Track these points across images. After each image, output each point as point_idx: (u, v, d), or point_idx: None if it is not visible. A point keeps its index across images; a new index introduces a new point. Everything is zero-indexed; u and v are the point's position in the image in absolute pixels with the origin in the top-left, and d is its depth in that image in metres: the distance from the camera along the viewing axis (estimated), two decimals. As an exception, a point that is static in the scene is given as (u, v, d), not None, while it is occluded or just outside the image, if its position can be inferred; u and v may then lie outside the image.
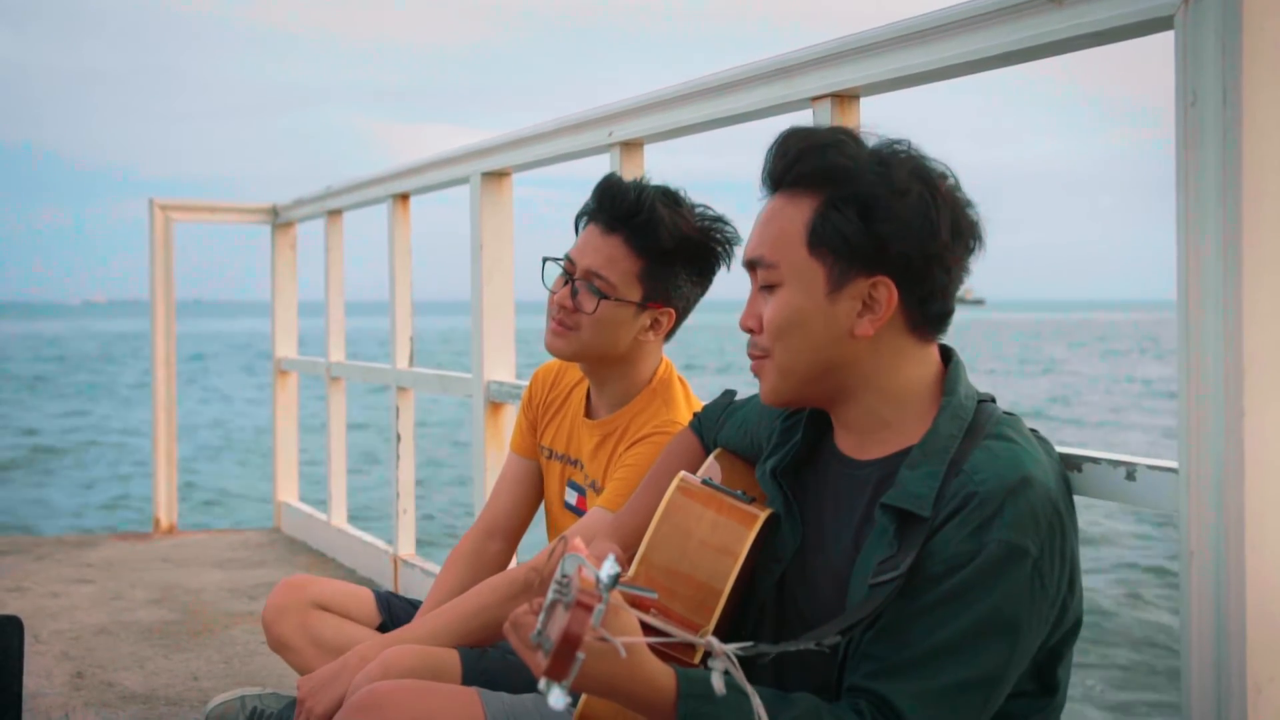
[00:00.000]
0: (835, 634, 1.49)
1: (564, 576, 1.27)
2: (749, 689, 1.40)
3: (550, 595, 1.28)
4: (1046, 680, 1.60)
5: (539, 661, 1.27)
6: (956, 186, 1.61)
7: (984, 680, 1.48)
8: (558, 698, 1.23)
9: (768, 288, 1.63)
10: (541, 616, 1.28)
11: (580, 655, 1.24)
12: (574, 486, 2.42)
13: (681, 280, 2.27)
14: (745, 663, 1.54)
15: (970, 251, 1.62)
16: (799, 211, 1.61)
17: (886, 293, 1.58)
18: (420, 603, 2.48)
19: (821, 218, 1.59)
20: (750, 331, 1.67)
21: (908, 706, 1.47)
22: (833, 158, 1.60)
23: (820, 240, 1.59)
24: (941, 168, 1.62)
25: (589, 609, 1.25)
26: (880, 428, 1.64)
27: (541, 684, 1.24)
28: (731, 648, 1.42)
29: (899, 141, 1.62)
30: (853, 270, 1.58)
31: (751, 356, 1.68)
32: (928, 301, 1.61)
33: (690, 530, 1.68)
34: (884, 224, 1.56)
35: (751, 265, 1.66)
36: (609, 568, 1.27)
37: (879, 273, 1.58)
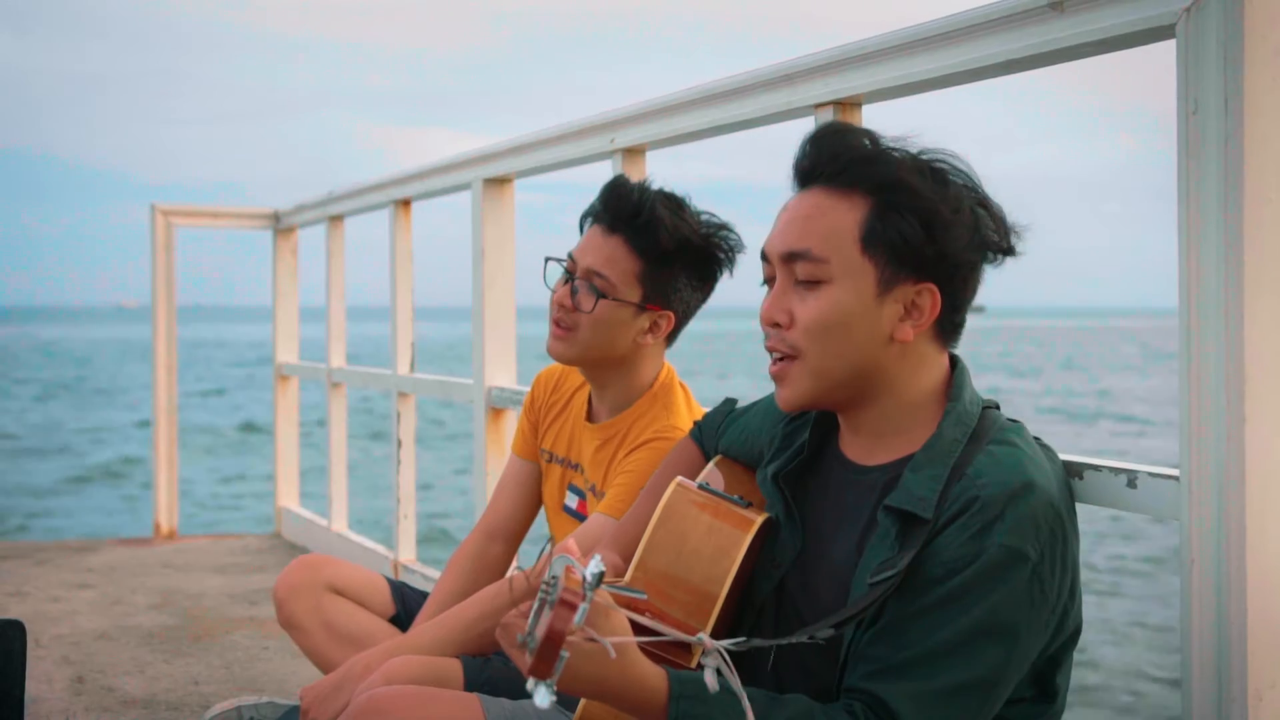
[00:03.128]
0: (829, 628, 1.50)
1: (552, 577, 1.28)
2: (739, 689, 1.40)
3: (538, 596, 1.28)
4: (1046, 687, 1.60)
5: (526, 661, 1.27)
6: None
7: (980, 683, 1.48)
8: (543, 696, 1.23)
9: (808, 283, 1.60)
10: (531, 618, 1.28)
11: (564, 653, 1.24)
12: (574, 490, 2.42)
13: (681, 284, 2.28)
14: (745, 667, 1.54)
15: (1002, 262, 1.64)
16: (851, 210, 1.59)
17: (931, 299, 1.59)
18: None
19: (880, 219, 1.57)
20: (776, 326, 1.63)
21: (903, 707, 1.47)
22: (887, 171, 1.59)
23: (876, 240, 1.57)
24: (974, 174, 1.63)
25: (573, 607, 1.25)
26: (889, 433, 1.64)
27: (530, 684, 1.24)
28: (725, 643, 1.42)
29: (931, 149, 1.63)
30: (903, 274, 1.58)
31: (774, 351, 1.64)
32: (957, 311, 1.62)
33: (686, 534, 1.68)
34: (944, 235, 1.57)
35: (791, 258, 1.61)
36: (593, 566, 1.28)
37: (927, 279, 1.58)
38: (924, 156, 1.62)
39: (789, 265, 1.62)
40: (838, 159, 1.61)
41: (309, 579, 2.41)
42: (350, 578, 2.45)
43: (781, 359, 1.63)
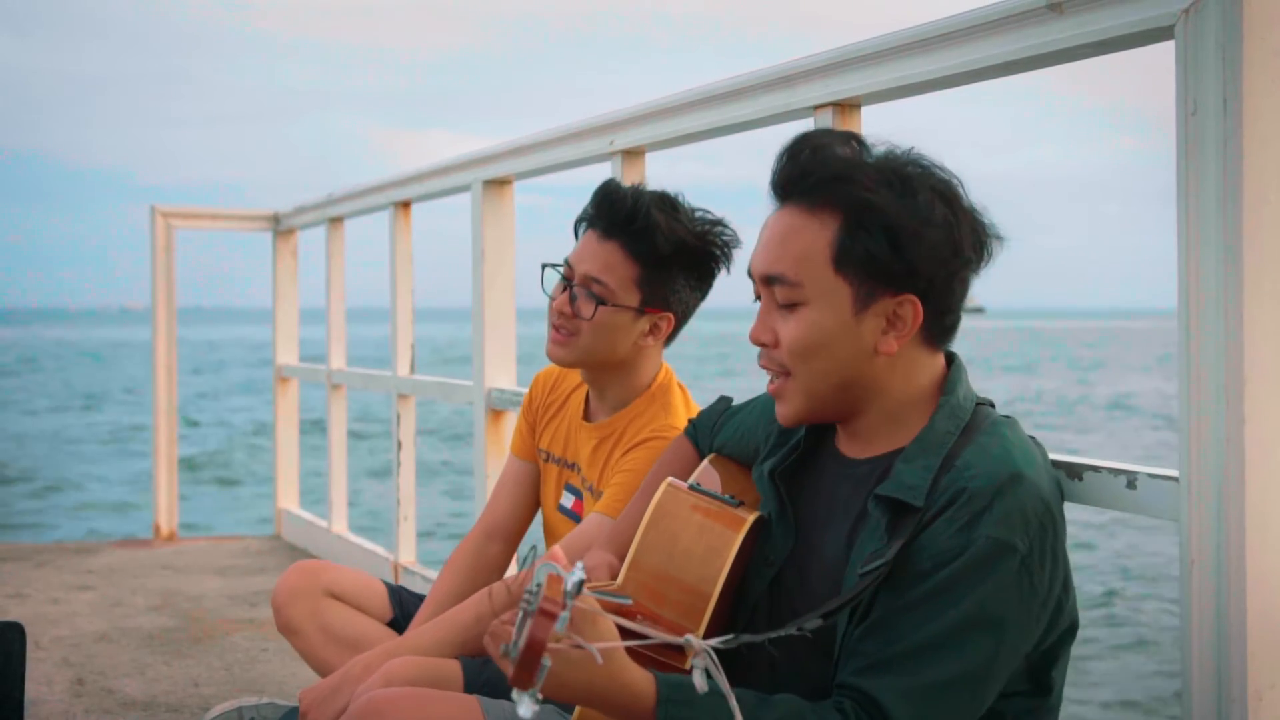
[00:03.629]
0: (817, 619, 1.50)
1: (537, 585, 1.28)
2: (728, 689, 1.40)
3: (520, 606, 1.28)
4: (1041, 681, 1.60)
5: (510, 671, 1.27)
6: (965, 194, 1.62)
7: (970, 677, 1.48)
8: (526, 707, 1.23)
9: (787, 306, 1.61)
10: (515, 628, 1.28)
11: (546, 662, 1.24)
12: (571, 490, 2.42)
13: (680, 285, 2.28)
14: (740, 668, 1.54)
15: (985, 262, 1.63)
16: (822, 229, 1.59)
17: (912, 310, 1.58)
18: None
19: (849, 237, 1.57)
20: (763, 345, 1.65)
21: (892, 703, 1.47)
22: (851, 185, 1.58)
23: (847, 259, 1.57)
24: (949, 175, 1.62)
25: (552, 616, 1.25)
26: (884, 428, 1.65)
27: (514, 694, 1.24)
28: (712, 642, 1.42)
29: (907, 152, 1.62)
30: (879, 289, 1.58)
31: (767, 370, 1.66)
32: (945, 315, 1.62)
33: (678, 535, 1.69)
34: (913, 249, 1.56)
35: (768, 281, 1.63)
36: (575, 575, 1.28)
37: (905, 291, 1.58)
38: (899, 162, 1.61)
39: (769, 288, 1.63)
40: (807, 176, 1.61)
41: (307, 584, 2.40)
42: (348, 582, 2.45)
43: (777, 376, 1.65)
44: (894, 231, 1.56)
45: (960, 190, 1.62)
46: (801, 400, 1.63)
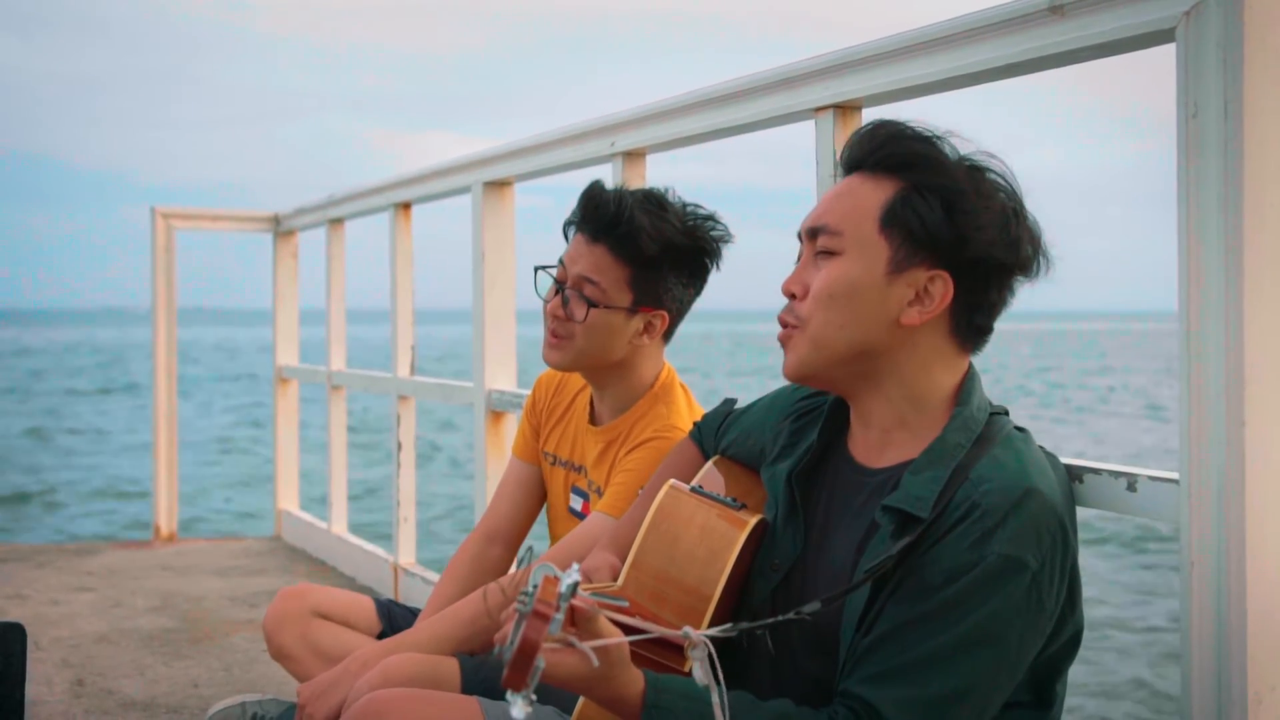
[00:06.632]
0: (817, 604, 1.51)
1: (533, 587, 1.28)
2: (712, 683, 1.40)
3: (514, 607, 1.29)
4: (1043, 694, 1.60)
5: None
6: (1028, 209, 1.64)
7: (973, 692, 1.48)
8: (519, 709, 1.23)
9: (825, 254, 1.62)
10: (511, 629, 1.29)
11: (540, 664, 1.24)
12: (578, 492, 2.42)
13: (671, 283, 2.28)
14: (741, 672, 1.54)
15: (1030, 278, 1.64)
16: (879, 190, 1.61)
17: (943, 288, 1.59)
18: (421, 611, 2.48)
19: (902, 200, 1.59)
20: (791, 297, 1.66)
21: (894, 715, 1.47)
22: (924, 149, 1.61)
23: (894, 220, 1.59)
24: (1018, 186, 1.64)
25: (546, 619, 1.26)
26: (896, 428, 1.65)
27: (508, 695, 1.25)
28: (711, 631, 1.42)
29: (993, 156, 1.64)
30: (918, 258, 1.59)
31: (783, 323, 1.66)
32: (976, 311, 1.62)
33: (679, 537, 1.69)
34: (965, 221, 1.57)
35: (812, 233, 1.65)
36: (570, 577, 1.28)
37: (942, 267, 1.59)
38: (977, 154, 1.64)
39: (813, 241, 1.65)
40: (874, 140, 1.64)
41: (293, 608, 2.41)
42: (335, 601, 2.45)
43: (790, 329, 1.65)
44: (953, 197, 1.58)
45: (1024, 201, 1.64)
46: (807, 349, 1.63)
